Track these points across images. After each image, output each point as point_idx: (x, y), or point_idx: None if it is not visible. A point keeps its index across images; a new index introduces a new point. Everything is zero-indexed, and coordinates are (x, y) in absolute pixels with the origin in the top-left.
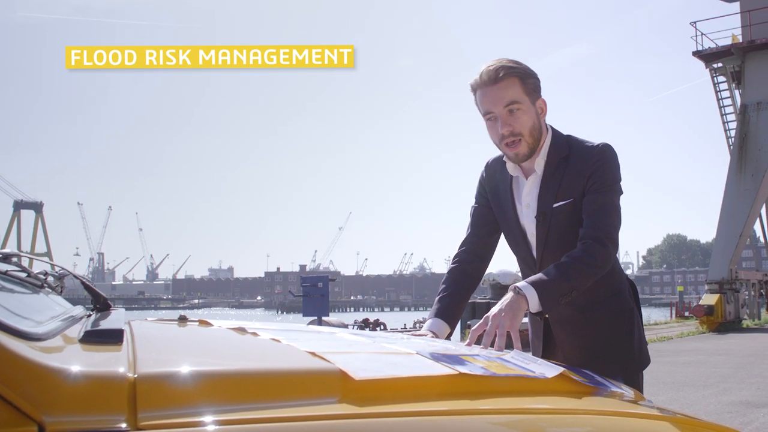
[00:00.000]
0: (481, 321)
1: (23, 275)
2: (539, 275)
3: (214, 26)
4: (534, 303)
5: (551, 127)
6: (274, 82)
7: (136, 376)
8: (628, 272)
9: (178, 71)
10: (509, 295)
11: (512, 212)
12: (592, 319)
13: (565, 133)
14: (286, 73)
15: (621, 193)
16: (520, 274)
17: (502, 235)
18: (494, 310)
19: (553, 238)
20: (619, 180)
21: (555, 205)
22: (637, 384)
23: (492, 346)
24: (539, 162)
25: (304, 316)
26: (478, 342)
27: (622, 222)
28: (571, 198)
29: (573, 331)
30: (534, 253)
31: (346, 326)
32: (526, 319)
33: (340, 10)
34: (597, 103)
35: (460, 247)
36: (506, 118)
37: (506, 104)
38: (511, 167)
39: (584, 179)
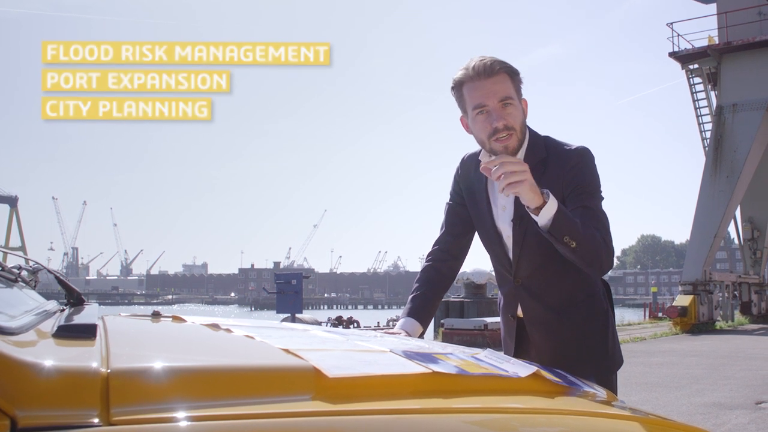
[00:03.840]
0: (505, 157)
1: None
2: (569, 210)
3: (194, 23)
4: (547, 215)
5: (529, 128)
6: (251, 82)
7: (109, 371)
8: None
9: (154, 66)
10: (536, 188)
11: (488, 213)
12: (566, 321)
13: (542, 134)
14: (262, 73)
15: (602, 199)
16: (494, 273)
17: (477, 234)
18: (523, 164)
19: (530, 241)
20: (600, 185)
21: None
22: (610, 385)
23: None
24: None
25: (277, 313)
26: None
27: None
28: None
29: (547, 332)
30: (510, 254)
31: (319, 324)
32: (498, 319)
33: (318, 9)
34: (571, 103)
35: (434, 246)
36: (500, 112)
37: (501, 98)
38: None
39: (562, 183)
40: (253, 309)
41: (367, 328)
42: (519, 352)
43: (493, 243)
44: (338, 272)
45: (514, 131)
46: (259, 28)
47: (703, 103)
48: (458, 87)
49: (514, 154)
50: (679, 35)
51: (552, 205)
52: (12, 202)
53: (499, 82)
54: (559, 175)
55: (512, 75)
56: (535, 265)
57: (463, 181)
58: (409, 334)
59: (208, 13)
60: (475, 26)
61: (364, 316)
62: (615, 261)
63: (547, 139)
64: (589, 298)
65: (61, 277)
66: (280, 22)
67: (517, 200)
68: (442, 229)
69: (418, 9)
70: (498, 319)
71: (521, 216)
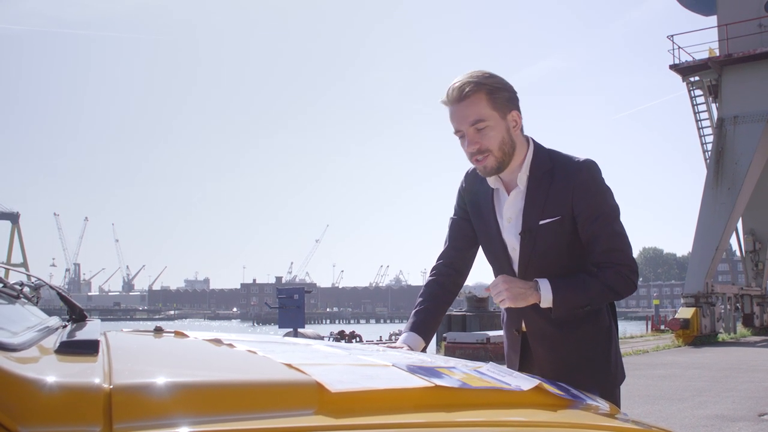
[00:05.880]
0: (493, 283)
1: None
2: (564, 278)
3: (193, 38)
4: (546, 302)
5: (533, 140)
6: (252, 96)
7: (111, 387)
8: None
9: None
10: (529, 284)
11: (494, 225)
12: (570, 336)
13: (546, 147)
14: (262, 87)
15: (618, 210)
16: None
17: (481, 247)
18: (509, 281)
19: (538, 254)
20: (611, 200)
21: (541, 222)
22: (614, 399)
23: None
24: (521, 176)
25: (279, 327)
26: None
27: None
28: (559, 216)
29: (551, 346)
30: (515, 267)
31: (322, 338)
32: (500, 333)
33: (317, 24)
34: (571, 116)
35: (437, 260)
36: (473, 136)
37: (472, 122)
38: (491, 180)
39: (570, 196)
40: (255, 324)
41: (369, 342)
42: (523, 366)
43: (498, 256)
44: (340, 287)
45: (490, 152)
46: (255, 41)
47: (704, 115)
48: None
49: (491, 174)
50: (679, 47)
51: (546, 295)
52: (13, 218)
53: (470, 105)
54: (566, 187)
55: (489, 93)
56: (541, 278)
57: (468, 194)
58: (411, 349)
59: (206, 29)
60: (475, 39)
61: (366, 330)
62: None
63: (551, 151)
64: (593, 314)
65: (63, 293)
66: (276, 35)
67: (524, 212)
68: (445, 243)
69: (416, 21)
70: (500, 332)
71: (529, 229)
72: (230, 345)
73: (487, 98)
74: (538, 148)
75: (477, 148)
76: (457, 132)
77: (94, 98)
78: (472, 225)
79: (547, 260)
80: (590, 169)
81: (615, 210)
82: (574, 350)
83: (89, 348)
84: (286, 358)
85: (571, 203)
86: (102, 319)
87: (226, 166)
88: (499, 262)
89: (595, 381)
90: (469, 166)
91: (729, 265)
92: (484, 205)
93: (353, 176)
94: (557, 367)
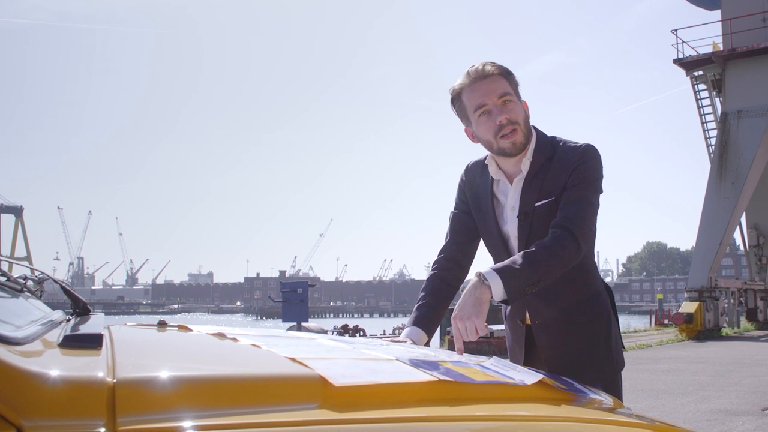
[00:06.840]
0: (454, 327)
1: (3, 279)
2: (506, 262)
3: (195, 33)
4: (498, 292)
5: (536, 128)
6: (256, 91)
7: (115, 380)
8: (608, 280)
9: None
10: (473, 283)
11: (492, 217)
12: (573, 321)
13: (549, 135)
14: (266, 83)
15: (600, 191)
16: None
17: (482, 242)
18: (458, 309)
19: (535, 239)
20: (599, 178)
21: (537, 204)
22: (616, 386)
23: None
24: (525, 162)
25: (283, 321)
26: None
27: (603, 228)
28: (553, 197)
29: (555, 334)
30: None
31: (325, 332)
32: (503, 327)
33: (320, 20)
34: (576, 110)
35: (439, 254)
36: (502, 108)
37: (500, 95)
38: (494, 170)
39: (566, 178)
40: (258, 318)
41: (372, 336)
42: (528, 358)
43: (499, 249)
44: (344, 280)
45: (518, 125)
46: (259, 36)
47: (708, 109)
48: (457, 96)
49: (521, 150)
50: (683, 42)
51: (496, 285)
52: (17, 212)
53: (495, 81)
54: (563, 169)
55: (507, 76)
56: None
57: (469, 187)
58: (414, 343)
59: (209, 23)
60: (479, 33)
61: (369, 324)
62: (621, 268)
63: (554, 138)
64: (593, 298)
65: (67, 287)
66: (279, 31)
67: (521, 197)
68: (447, 237)
69: (419, 17)
70: (503, 327)
71: (525, 212)
72: (234, 339)
73: (507, 79)
74: (541, 136)
75: (508, 118)
76: (480, 107)
77: (98, 93)
78: (472, 218)
79: None
80: (588, 152)
81: (593, 185)
82: (577, 336)
83: (93, 342)
84: (290, 352)
85: (565, 183)
86: (105, 313)
87: (229, 160)
88: (500, 254)
89: (598, 368)
90: (470, 160)
91: (733, 259)
92: (483, 198)
93: (357, 171)
94: (561, 356)
